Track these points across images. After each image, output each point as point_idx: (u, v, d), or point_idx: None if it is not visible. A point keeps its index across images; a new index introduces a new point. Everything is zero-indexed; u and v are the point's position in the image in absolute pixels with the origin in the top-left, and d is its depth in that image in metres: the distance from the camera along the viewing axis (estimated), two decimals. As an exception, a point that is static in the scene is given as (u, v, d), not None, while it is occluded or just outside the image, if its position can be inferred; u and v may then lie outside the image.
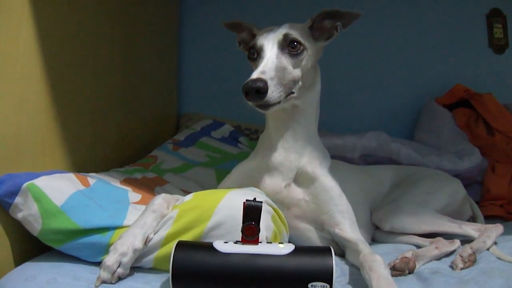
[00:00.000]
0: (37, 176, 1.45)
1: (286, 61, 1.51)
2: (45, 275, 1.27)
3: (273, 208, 1.47)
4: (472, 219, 2.02)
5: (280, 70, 1.46)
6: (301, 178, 1.60)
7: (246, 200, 1.20)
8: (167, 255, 1.21)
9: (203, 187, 1.92)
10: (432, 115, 2.88)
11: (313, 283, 1.14)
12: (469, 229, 1.73)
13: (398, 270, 1.41)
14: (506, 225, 1.81)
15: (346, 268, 1.47)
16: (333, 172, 1.66)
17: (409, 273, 1.43)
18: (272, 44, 1.51)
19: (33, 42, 1.63)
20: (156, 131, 2.87)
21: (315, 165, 1.62)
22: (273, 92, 1.40)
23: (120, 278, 1.28)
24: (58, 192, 1.42)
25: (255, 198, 1.21)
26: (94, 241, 1.37)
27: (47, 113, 1.73)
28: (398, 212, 1.80)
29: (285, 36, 1.52)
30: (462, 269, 1.46)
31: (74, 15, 1.90)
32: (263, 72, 1.41)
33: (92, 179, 1.62)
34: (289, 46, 1.52)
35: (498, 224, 1.73)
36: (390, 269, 1.36)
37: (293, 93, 1.52)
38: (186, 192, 1.56)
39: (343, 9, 1.59)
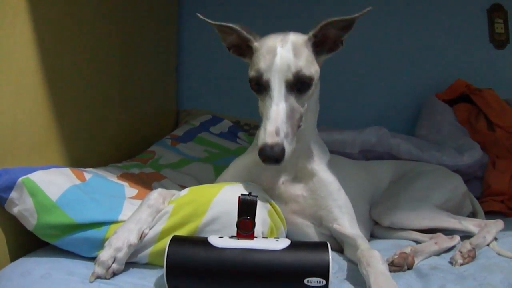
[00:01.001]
0: (32, 170, 1.44)
1: (295, 101, 1.42)
2: (40, 270, 1.26)
3: (270, 203, 1.46)
4: (473, 214, 2.01)
5: (290, 115, 1.38)
6: (300, 173, 1.59)
7: (241, 194, 1.20)
8: (162, 250, 1.20)
9: (201, 182, 1.91)
10: (432, 110, 2.87)
11: (309, 279, 1.13)
12: (469, 224, 1.73)
13: (397, 265, 1.40)
14: (507, 220, 1.81)
15: (344, 264, 1.46)
16: (332, 167, 1.64)
17: (408, 269, 1.42)
18: (279, 84, 1.39)
19: (29, 35, 1.62)
20: (155, 127, 2.86)
21: (314, 160, 1.60)
22: (288, 148, 1.34)
23: (115, 274, 1.27)
24: (54, 186, 1.41)
25: (250, 193, 1.20)
26: (89, 236, 1.36)
27: (43, 108, 1.72)
28: (398, 207, 1.79)
29: (295, 75, 1.40)
30: (461, 264, 1.46)
31: (72, 9, 1.89)
32: (277, 132, 1.32)
33: (88, 174, 1.61)
34: (298, 85, 1.42)
35: (499, 220, 1.73)
36: (389, 264, 1.35)
37: (300, 126, 1.47)
38: (184, 188, 1.55)
39: (348, 17, 1.47)
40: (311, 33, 1.48)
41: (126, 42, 2.45)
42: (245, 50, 1.55)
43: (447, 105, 2.87)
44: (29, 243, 1.45)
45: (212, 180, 1.80)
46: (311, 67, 1.45)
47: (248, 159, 1.65)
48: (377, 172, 2.07)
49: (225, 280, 1.16)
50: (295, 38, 1.46)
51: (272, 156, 1.30)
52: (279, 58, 1.40)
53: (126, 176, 1.87)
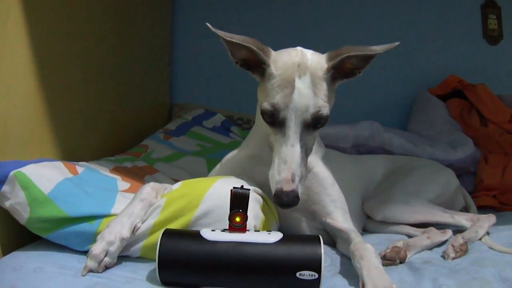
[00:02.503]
0: (24, 164, 1.43)
1: (308, 136, 1.37)
2: (32, 264, 1.26)
3: (262, 197, 1.46)
4: (465, 209, 2.01)
5: (305, 154, 1.34)
6: None
7: (234, 187, 1.19)
8: (155, 244, 1.19)
9: (194, 176, 1.90)
10: (425, 105, 2.88)
11: (301, 272, 1.13)
12: (462, 219, 1.73)
13: (389, 259, 1.40)
14: (499, 215, 1.82)
15: (336, 257, 1.46)
16: (326, 161, 1.64)
17: (400, 262, 1.43)
18: (296, 124, 1.32)
19: (22, 28, 1.60)
20: (148, 121, 2.85)
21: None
22: (301, 190, 1.29)
23: (107, 267, 1.27)
24: (46, 180, 1.40)
25: (242, 186, 1.20)
26: (82, 230, 1.36)
27: (36, 101, 1.70)
28: (390, 201, 1.79)
29: (313, 116, 1.33)
30: (453, 258, 1.46)
31: (64, 3, 1.88)
32: (293, 178, 1.27)
33: (81, 167, 1.60)
34: (314, 123, 1.35)
35: (491, 214, 1.73)
36: (381, 258, 1.35)
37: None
38: (176, 181, 1.55)
39: (371, 53, 1.40)
40: (330, 64, 1.39)
41: (119, 36, 2.44)
42: (253, 64, 1.43)
43: (440, 100, 2.88)
44: (21, 237, 1.44)
45: (205, 174, 1.80)
46: (329, 103, 1.38)
47: (241, 154, 1.64)
48: (370, 166, 2.07)
49: (217, 273, 1.15)
50: (314, 67, 1.37)
51: (287, 202, 1.26)
52: (297, 96, 1.32)
53: (119, 170, 1.87)
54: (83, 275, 1.22)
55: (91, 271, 1.24)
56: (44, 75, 1.72)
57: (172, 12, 3.22)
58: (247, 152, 1.62)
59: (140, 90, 2.75)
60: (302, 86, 1.33)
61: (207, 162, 2.28)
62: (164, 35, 3.14)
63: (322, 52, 1.45)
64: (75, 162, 1.66)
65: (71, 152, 1.89)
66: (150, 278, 1.23)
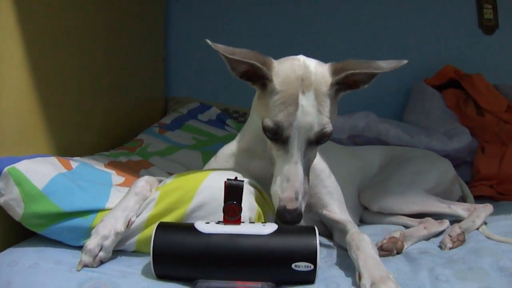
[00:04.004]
0: (18, 160, 1.42)
1: (311, 152, 1.35)
2: (27, 260, 1.25)
3: (258, 189, 1.45)
4: (462, 199, 2.01)
5: (307, 171, 1.33)
6: None
7: (227, 179, 1.18)
8: (149, 238, 1.18)
9: (189, 169, 1.90)
10: (421, 96, 2.88)
11: (296, 263, 1.12)
12: (459, 209, 1.73)
13: (386, 250, 1.40)
14: (496, 205, 1.82)
15: (333, 249, 1.46)
16: (322, 153, 1.63)
17: (397, 253, 1.42)
18: (300, 142, 1.30)
19: (14, 23, 1.59)
20: (144, 116, 2.84)
21: None
22: (303, 207, 1.28)
23: (102, 262, 1.26)
24: (40, 175, 1.39)
25: (236, 178, 1.19)
26: (76, 225, 1.35)
27: (29, 97, 1.69)
28: (387, 192, 1.80)
29: (317, 134, 1.31)
30: (450, 248, 1.46)
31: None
32: (296, 196, 1.26)
33: (75, 162, 1.59)
34: (318, 139, 1.33)
35: (488, 204, 1.74)
36: (378, 249, 1.35)
37: None
38: (171, 175, 1.54)
39: (377, 71, 1.35)
40: (334, 80, 1.35)
41: (114, 31, 2.42)
42: (254, 77, 1.37)
43: (436, 91, 2.88)
44: (16, 234, 1.43)
45: (200, 167, 1.80)
46: (332, 119, 1.35)
47: (236, 148, 1.63)
48: (366, 157, 2.07)
49: (212, 265, 1.15)
50: (318, 82, 1.33)
51: (290, 220, 1.25)
52: (301, 114, 1.29)
53: (114, 164, 1.86)
54: (78, 270, 1.21)
55: (86, 266, 1.23)
56: (38, 71, 1.71)
57: (167, 6, 3.21)
58: (242, 146, 1.61)
59: (135, 85, 2.74)
60: (306, 103, 1.30)
61: (202, 156, 2.27)
62: (159, 30, 3.13)
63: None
64: (69, 157, 1.65)
65: (66, 148, 1.87)
66: (145, 272, 1.22)
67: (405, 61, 1.35)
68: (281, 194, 1.27)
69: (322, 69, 1.37)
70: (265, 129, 1.32)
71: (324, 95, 1.33)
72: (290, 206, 1.25)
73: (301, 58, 1.40)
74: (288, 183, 1.27)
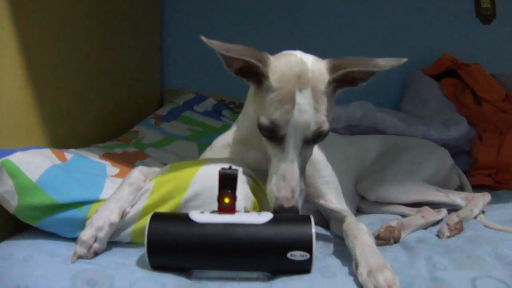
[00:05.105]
0: (12, 152, 1.41)
1: (307, 150, 1.34)
2: (22, 252, 1.24)
3: (253, 178, 1.44)
4: (460, 188, 2.00)
5: (303, 169, 1.32)
6: None
7: (222, 168, 1.17)
8: (144, 228, 1.17)
9: (185, 160, 1.90)
10: (418, 85, 2.88)
11: (292, 252, 1.11)
12: (456, 198, 1.73)
13: (383, 239, 1.40)
14: (494, 194, 1.82)
15: (330, 238, 1.46)
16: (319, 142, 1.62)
17: (395, 242, 1.42)
18: (296, 141, 1.29)
19: (7, 14, 1.58)
20: (140, 108, 2.84)
21: None
22: (300, 204, 1.28)
23: (96, 253, 1.25)
24: (34, 167, 1.38)
25: (230, 166, 1.18)
26: (71, 216, 1.34)
27: (23, 89, 1.68)
28: (384, 181, 1.79)
29: (314, 133, 1.30)
30: (448, 237, 1.46)
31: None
32: (293, 195, 1.25)
33: (69, 154, 1.58)
34: (314, 138, 1.32)
35: (486, 193, 1.73)
36: (375, 238, 1.34)
37: None
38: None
39: (376, 68, 1.32)
40: (331, 77, 1.32)
41: (109, 23, 2.41)
42: (250, 73, 1.34)
43: (433, 80, 2.89)
44: (10, 227, 1.42)
45: (196, 158, 1.79)
46: (329, 117, 1.33)
47: (231, 138, 1.61)
48: (363, 146, 2.06)
49: (207, 255, 1.14)
50: (315, 80, 1.31)
51: None
52: (298, 112, 1.27)
53: (109, 156, 1.85)
54: (73, 262, 1.20)
55: (80, 257, 1.22)
56: (33, 63, 1.70)
57: (162, -3, 3.20)
58: (237, 136, 1.60)
59: (131, 77, 2.74)
60: (303, 101, 1.28)
61: (198, 146, 2.27)
62: (154, 21, 3.12)
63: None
64: (64, 149, 1.64)
65: (61, 140, 1.87)
66: (140, 263, 1.22)
67: (405, 60, 1.33)
68: (277, 193, 1.26)
69: (320, 66, 1.35)
70: (261, 127, 1.31)
71: (321, 93, 1.31)
72: (287, 204, 1.24)
73: (298, 54, 1.38)
74: (284, 182, 1.26)
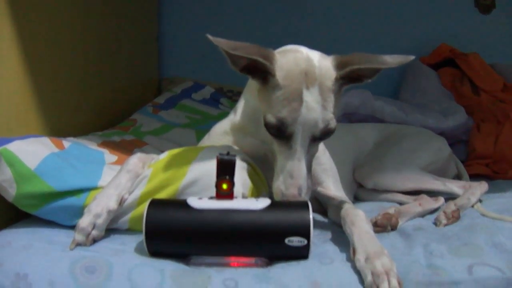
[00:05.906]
0: (10, 141, 1.41)
1: (315, 148, 1.33)
2: (21, 240, 1.25)
3: (250, 164, 1.44)
4: (457, 177, 2.01)
5: (310, 165, 1.31)
6: None
7: (219, 154, 1.17)
8: (142, 215, 1.18)
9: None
10: (417, 74, 2.87)
11: (290, 238, 1.12)
12: (454, 186, 1.74)
13: (380, 226, 1.40)
14: (492, 183, 1.83)
15: (327, 225, 1.46)
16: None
17: (392, 229, 1.42)
18: (303, 139, 1.27)
19: (4, 4, 1.57)
20: (137, 96, 2.84)
21: None
22: (308, 197, 1.27)
23: (95, 240, 1.26)
24: (32, 155, 1.38)
25: (228, 152, 1.18)
26: (69, 204, 1.34)
27: (21, 78, 1.68)
28: (382, 169, 1.79)
29: (322, 130, 1.28)
30: (445, 225, 1.47)
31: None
32: (300, 192, 1.25)
33: (68, 142, 1.58)
34: (322, 136, 1.31)
35: (483, 182, 1.74)
36: (372, 225, 1.35)
37: None
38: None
39: (383, 66, 1.31)
40: (338, 74, 1.31)
41: (106, 11, 2.41)
42: (255, 70, 1.32)
43: (431, 69, 2.88)
44: (9, 216, 1.42)
45: (194, 145, 1.79)
46: (336, 114, 1.32)
47: (229, 125, 1.61)
48: (361, 134, 2.06)
49: (205, 241, 1.14)
50: (323, 77, 1.30)
51: None
52: (306, 110, 1.26)
53: (107, 144, 1.85)
54: (71, 249, 1.21)
55: (79, 244, 1.22)
56: (30, 52, 1.70)
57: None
58: (235, 124, 1.59)
59: (129, 65, 2.73)
60: (311, 99, 1.26)
61: (196, 134, 2.28)
62: (152, 9, 3.10)
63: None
64: (62, 138, 1.64)
65: (59, 128, 1.87)
66: (138, 250, 1.22)
67: (412, 57, 1.32)
68: (285, 190, 1.26)
69: (326, 63, 1.33)
70: (268, 126, 1.29)
71: (328, 90, 1.29)
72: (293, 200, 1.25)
73: (304, 50, 1.37)
74: (292, 180, 1.26)
